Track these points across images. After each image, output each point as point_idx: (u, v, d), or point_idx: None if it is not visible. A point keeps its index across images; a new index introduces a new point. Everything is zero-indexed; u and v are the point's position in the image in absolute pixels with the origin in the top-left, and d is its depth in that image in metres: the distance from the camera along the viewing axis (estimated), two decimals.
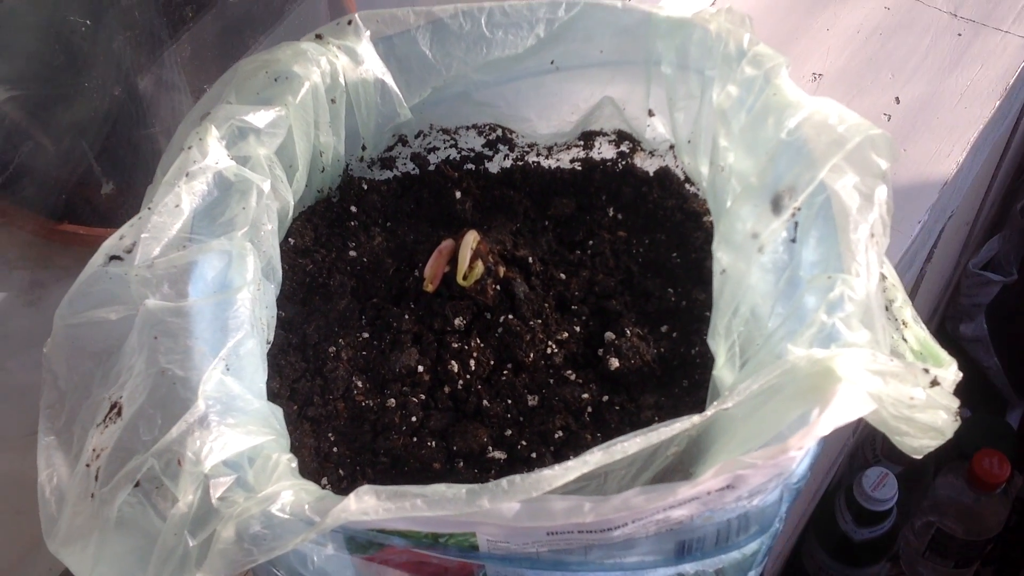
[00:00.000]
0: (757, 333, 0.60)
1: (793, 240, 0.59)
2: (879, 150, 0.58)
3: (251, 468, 0.51)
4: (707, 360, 0.66)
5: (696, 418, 0.51)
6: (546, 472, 0.48)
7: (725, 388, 0.59)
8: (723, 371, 0.60)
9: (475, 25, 0.67)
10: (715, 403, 0.52)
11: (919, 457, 0.59)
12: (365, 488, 0.49)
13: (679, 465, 0.56)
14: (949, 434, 0.57)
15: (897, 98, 1.16)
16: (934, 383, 0.55)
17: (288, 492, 0.49)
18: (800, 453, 0.51)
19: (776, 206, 0.59)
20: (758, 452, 0.49)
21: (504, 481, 0.48)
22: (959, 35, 1.21)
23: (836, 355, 0.51)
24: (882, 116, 1.13)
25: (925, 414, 0.55)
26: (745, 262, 0.59)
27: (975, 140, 1.13)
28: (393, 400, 0.65)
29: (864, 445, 1.69)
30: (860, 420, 0.54)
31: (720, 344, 0.60)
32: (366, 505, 0.48)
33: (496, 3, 0.66)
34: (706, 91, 0.65)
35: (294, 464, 0.52)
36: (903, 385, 0.53)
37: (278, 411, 0.56)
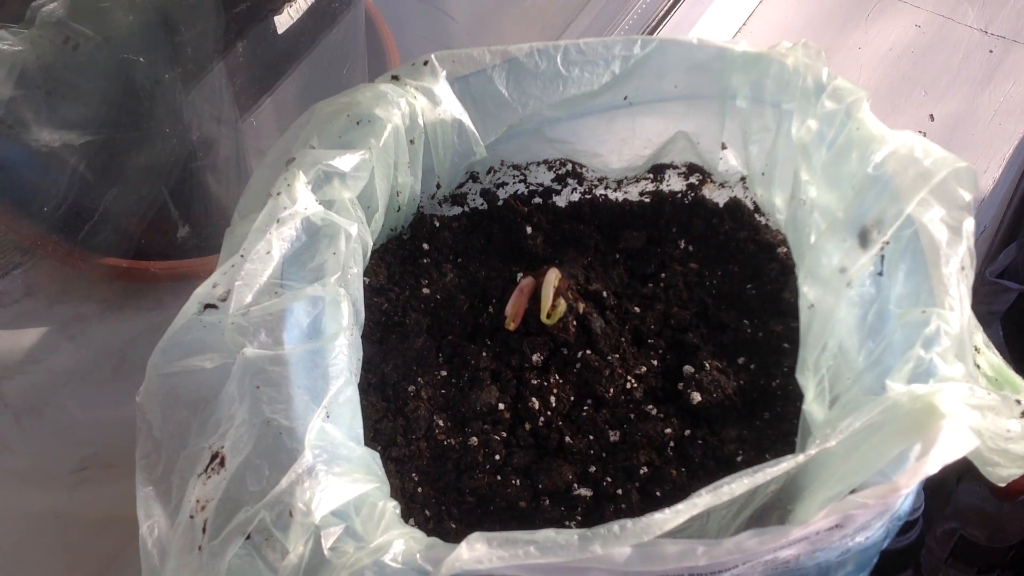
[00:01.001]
0: (846, 368, 0.60)
1: (880, 274, 0.59)
2: (963, 183, 0.58)
3: (358, 517, 0.51)
4: (788, 392, 0.66)
5: (801, 457, 0.51)
6: (657, 516, 0.48)
7: (816, 423, 0.59)
8: (813, 406, 0.60)
9: (551, 63, 0.67)
10: (817, 441, 0.52)
11: (1003, 485, 0.59)
12: (476, 535, 0.49)
13: (777, 503, 0.56)
14: None
15: (932, 116, 1.16)
16: None
17: (400, 541, 0.49)
18: (907, 491, 0.51)
19: (863, 240, 0.59)
20: (869, 491, 0.49)
21: (615, 525, 0.48)
22: (990, 52, 1.22)
23: (938, 391, 0.51)
24: (917, 133, 1.13)
25: (1019, 445, 0.55)
26: (833, 296, 0.59)
27: (1010, 156, 1.14)
28: (475, 438, 0.65)
29: None
30: None
31: (809, 379, 0.60)
32: (479, 553, 0.48)
33: (571, 41, 0.66)
34: (782, 124, 0.65)
35: (398, 511, 0.52)
36: (999, 418, 0.53)
37: (376, 456, 0.56)
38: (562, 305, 0.65)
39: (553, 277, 0.65)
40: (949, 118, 1.17)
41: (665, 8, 1.17)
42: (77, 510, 0.83)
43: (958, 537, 1.58)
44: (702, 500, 0.49)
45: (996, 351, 0.61)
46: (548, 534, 0.49)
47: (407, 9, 1.19)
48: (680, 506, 0.49)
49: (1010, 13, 1.25)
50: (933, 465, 0.50)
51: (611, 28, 1.15)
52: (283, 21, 0.88)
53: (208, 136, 0.84)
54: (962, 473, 1.62)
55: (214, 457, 0.53)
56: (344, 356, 0.55)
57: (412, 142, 0.66)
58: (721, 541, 0.49)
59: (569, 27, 1.17)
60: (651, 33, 1.15)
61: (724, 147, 0.72)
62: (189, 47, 0.79)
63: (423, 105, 0.65)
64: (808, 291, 0.60)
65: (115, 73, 0.71)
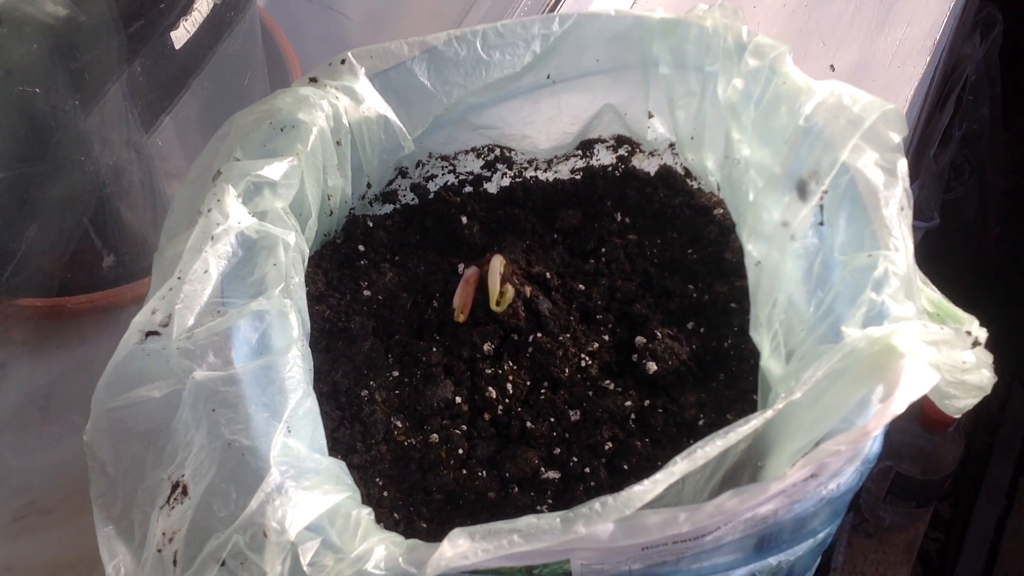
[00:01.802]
0: (797, 321, 0.60)
1: (822, 224, 0.59)
2: (892, 125, 0.59)
3: (333, 528, 0.50)
4: (741, 351, 0.66)
5: (769, 412, 0.51)
6: (636, 489, 0.48)
7: (775, 378, 0.60)
8: (770, 362, 0.60)
9: (471, 49, 0.66)
10: (783, 395, 0.52)
11: (958, 416, 0.60)
12: (457, 531, 0.48)
13: (747, 460, 0.57)
14: (989, 390, 0.58)
15: (832, 66, 1.18)
16: (975, 343, 0.56)
17: (380, 548, 0.48)
18: (877, 433, 0.51)
19: (802, 192, 0.59)
20: (841, 437, 0.50)
21: (596, 503, 0.48)
22: None
23: (894, 331, 0.52)
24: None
25: (972, 375, 0.57)
26: (778, 251, 0.60)
27: (911, 97, 1.16)
28: (436, 435, 0.64)
29: None
30: None
31: (763, 336, 0.60)
32: (462, 549, 0.47)
33: (490, 25, 0.65)
34: (707, 87, 0.65)
35: (372, 517, 0.51)
36: (954, 351, 0.54)
37: (343, 465, 0.55)
38: (510, 291, 0.65)
39: (498, 264, 0.64)
40: (849, 66, 1.19)
41: None
42: (21, 560, 0.80)
43: (894, 474, 1.62)
44: (678, 467, 0.49)
45: (934, 287, 0.62)
46: (529, 520, 0.48)
47: (300, 13, 1.18)
48: (658, 476, 0.48)
49: None
50: (899, 405, 0.50)
51: (510, 12, 1.14)
52: (180, 36, 0.85)
53: (117, 161, 0.82)
54: None
55: (175, 487, 0.52)
56: (299, 368, 0.54)
57: (339, 143, 0.64)
58: (702, 505, 0.49)
59: (467, 15, 1.16)
60: (551, 11, 1.15)
61: (651, 116, 0.72)
62: (87, 72, 0.77)
63: (346, 104, 0.64)
64: (752, 249, 0.61)
65: (16, 106, 0.68)
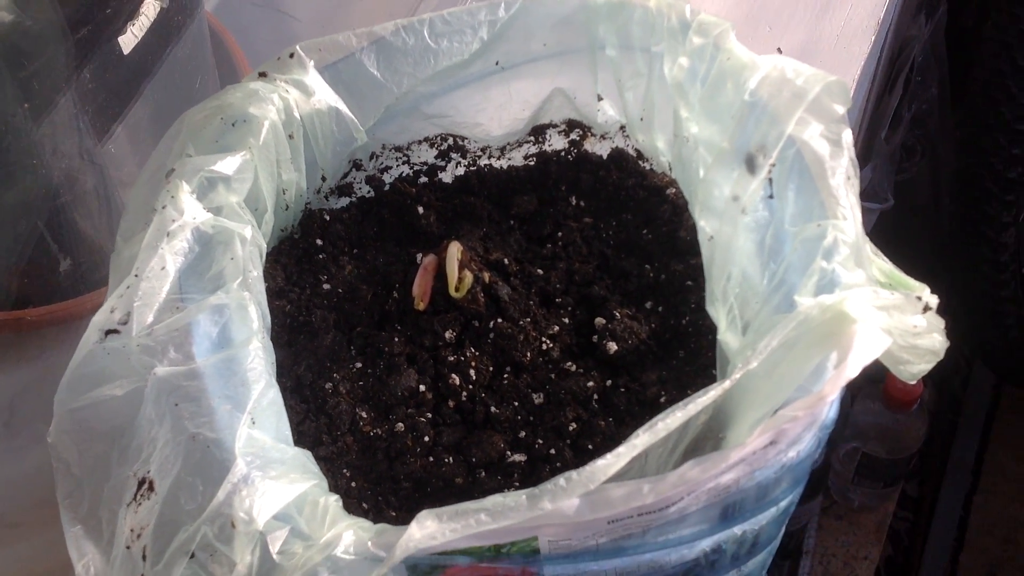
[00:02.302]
0: (751, 294, 0.61)
1: (771, 197, 0.60)
2: (836, 96, 0.60)
3: (301, 516, 0.50)
4: (699, 328, 0.67)
5: (727, 383, 0.52)
6: (599, 463, 0.49)
7: (732, 351, 0.61)
8: (727, 335, 0.61)
9: (418, 38, 0.66)
10: (739, 365, 0.53)
11: (914, 383, 0.61)
12: (425, 513, 0.48)
13: (708, 433, 0.57)
14: (942, 354, 0.59)
15: (779, 49, 1.18)
16: (926, 308, 0.58)
17: (348, 533, 0.49)
18: (832, 398, 0.52)
19: (751, 166, 0.60)
20: (797, 404, 0.50)
21: (561, 479, 0.48)
22: None
23: (845, 298, 0.53)
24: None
25: (924, 339, 0.58)
26: (730, 226, 0.60)
27: (858, 77, 1.17)
28: (401, 424, 0.65)
29: None
30: None
31: (719, 310, 0.61)
32: (430, 530, 0.48)
33: (436, 13, 0.66)
34: (654, 67, 0.66)
35: (340, 504, 0.52)
36: (905, 315, 0.55)
37: (308, 455, 0.55)
38: (469, 277, 0.65)
39: (455, 250, 0.65)
40: (796, 49, 1.20)
41: None
42: None
43: (860, 455, 1.64)
44: (640, 440, 0.50)
45: (884, 257, 0.63)
46: (496, 499, 0.49)
47: (248, 17, 1.17)
48: (621, 449, 0.49)
49: None
50: (853, 369, 0.51)
51: (460, 2, 1.14)
52: (128, 41, 0.85)
53: (69, 170, 0.82)
54: (856, 392, 1.68)
55: (141, 483, 0.52)
56: (260, 359, 0.54)
57: (291, 137, 0.64)
58: (665, 476, 0.50)
59: (416, 11, 1.17)
60: None
61: (600, 99, 0.73)
62: (35, 80, 0.77)
63: (296, 98, 0.64)
64: (705, 225, 0.62)
65: None
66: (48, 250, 0.71)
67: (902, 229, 1.84)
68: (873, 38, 1.20)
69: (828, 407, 0.55)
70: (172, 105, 0.93)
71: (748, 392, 0.56)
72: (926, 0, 1.81)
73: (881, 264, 0.63)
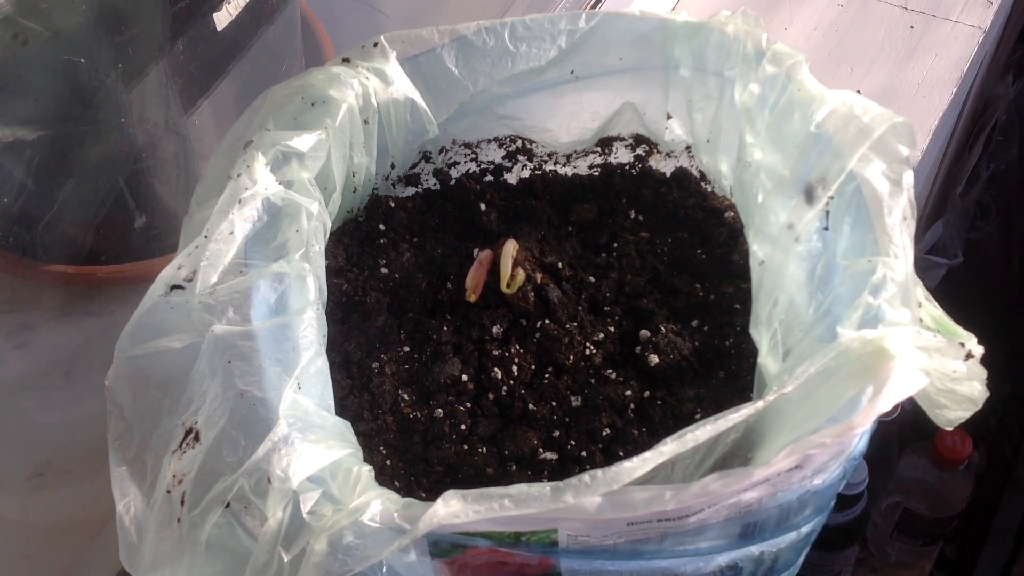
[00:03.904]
0: (796, 321, 0.62)
1: (827, 229, 0.61)
2: (901, 137, 0.61)
3: (334, 481, 0.52)
4: (741, 351, 0.68)
5: (760, 404, 0.53)
6: (625, 465, 0.50)
7: (770, 375, 0.62)
8: (767, 359, 0.62)
9: (499, 40, 0.68)
10: (774, 388, 0.54)
11: (950, 428, 0.62)
12: (451, 492, 0.50)
13: (737, 451, 0.58)
14: (980, 404, 0.60)
15: (858, 91, 1.19)
16: (968, 356, 0.58)
17: (376, 502, 0.51)
18: (863, 430, 0.53)
19: (809, 197, 0.61)
20: (826, 431, 0.51)
21: (586, 476, 0.50)
22: (911, 27, 1.25)
23: (887, 334, 0.54)
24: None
25: (964, 386, 0.58)
26: (782, 253, 0.61)
27: (935, 127, 1.17)
28: (440, 410, 0.66)
29: None
30: None
31: (762, 334, 0.62)
32: (454, 509, 0.49)
33: (518, 18, 0.68)
34: (725, 91, 0.67)
35: (372, 474, 0.54)
36: (945, 359, 0.56)
37: (348, 425, 0.57)
38: (521, 274, 0.67)
39: (511, 248, 0.67)
40: (875, 93, 1.20)
41: None
42: (35, 517, 0.82)
43: (902, 510, 1.63)
44: (667, 448, 0.51)
45: (936, 304, 0.64)
46: (521, 488, 0.50)
47: (339, 7, 1.20)
48: (647, 454, 0.50)
49: None
50: (885, 404, 0.52)
51: (549, 10, 1.16)
52: (222, 18, 0.88)
53: (154, 136, 0.85)
54: (904, 447, 1.67)
55: (188, 432, 0.54)
56: (312, 329, 0.56)
57: (366, 122, 0.67)
58: (687, 485, 0.51)
59: (505, 15, 1.19)
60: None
61: (669, 117, 0.74)
62: (131, 46, 0.80)
63: (375, 85, 0.67)
64: (758, 249, 0.63)
65: (63, 69, 0.71)
66: (125, 207, 0.74)
67: (969, 288, 1.83)
68: (954, 90, 1.19)
69: (857, 439, 0.56)
70: (258, 85, 0.96)
71: (781, 416, 0.57)
72: (1015, 60, 1.80)
73: (932, 310, 0.63)
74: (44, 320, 0.88)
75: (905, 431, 1.72)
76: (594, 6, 1.15)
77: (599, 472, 0.50)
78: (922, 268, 1.88)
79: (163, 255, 0.85)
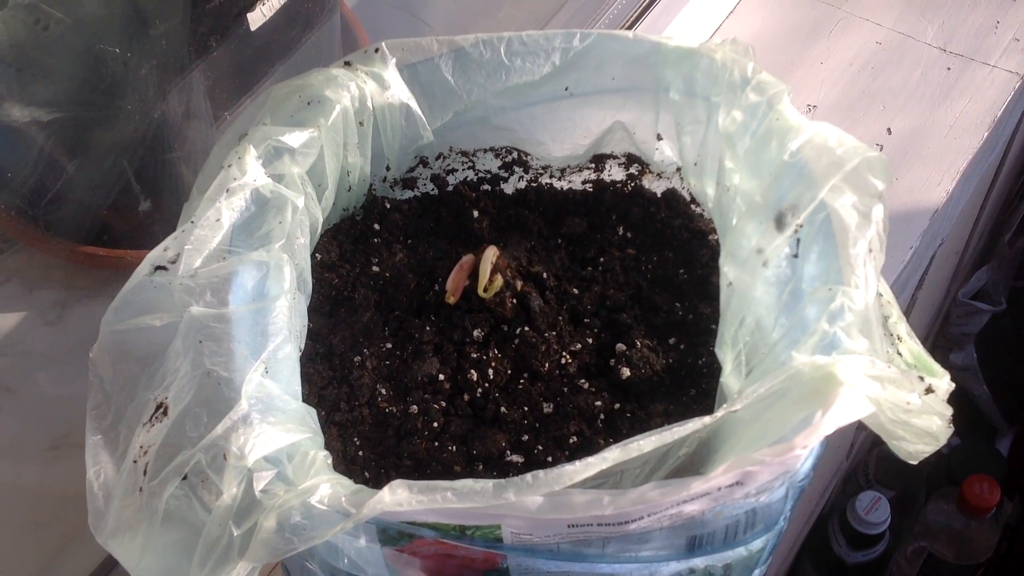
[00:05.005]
0: (762, 342, 0.63)
1: (795, 255, 0.63)
2: (875, 171, 0.62)
3: (290, 464, 0.54)
4: (713, 370, 0.70)
5: (707, 419, 0.54)
6: (568, 467, 0.52)
7: (732, 394, 0.63)
8: (730, 378, 0.64)
9: (495, 53, 0.71)
10: (724, 406, 0.55)
11: (915, 463, 0.62)
12: (398, 482, 0.52)
13: (690, 466, 0.60)
14: (943, 440, 0.61)
15: (889, 129, 1.20)
16: (929, 390, 0.59)
17: (326, 485, 0.53)
18: (805, 452, 0.54)
19: (779, 223, 0.63)
20: (766, 450, 0.53)
21: (528, 476, 0.52)
22: (948, 69, 1.25)
23: (837, 361, 0.55)
24: (874, 146, 1.16)
25: (920, 419, 0.59)
26: (750, 276, 0.63)
27: (964, 169, 1.17)
28: (415, 407, 0.68)
29: (857, 470, 1.72)
30: (854, 443, 0.57)
31: (727, 353, 0.64)
32: (399, 497, 0.51)
33: (514, 33, 0.70)
34: (712, 116, 0.69)
35: (329, 460, 0.56)
36: (900, 391, 0.57)
37: (312, 412, 0.59)
38: (499, 280, 0.69)
39: (491, 254, 0.69)
40: (906, 132, 1.20)
41: (632, 19, 1.21)
42: (48, 487, 0.85)
43: (927, 555, 1.61)
44: (612, 455, 0.52)
45: (917, 340, 0.65)
46: (466, 482, 0.52)
47: (384, 16, 1.22)
48: (591, 459, 0.52)
49: (968, 32, 1.29)
50: (827, 427, 0.53)
51: (590, 24, 1.18)
52: (256, 19, 0.90)
53: (179, 127, 0.88)
54: (932, 491, 1.65)
55: (158, 407, 0.57)
56: (284, 316, 0.59)
57: (361, 124, 0.69)
58: (626, 492, 0.52)
59: (549, 24, 1.21)
60: (631, 27, 1.19)
61: (660, 138, 0.76)
62: (163, 39, 0.83)
63: (372, 89, 0.69)
64: (728, 270, 0.64)
65: (84, 54, 0.74)
66: (131, 191, 0.77)
67: (1012, 335, 1.81)
68: (986, 134, 1.19)
69: (801, 460, 0.57)
70: None
71: (732, 434, 0.58)
72: None
73: (912, 345, 0.64)
74: (75, 299, 0.91)
75: (934, 475, 1.70)
76: (631, 25, 1.17)
77: (542, 473, 0.52)
78: (965, 313, 1.86)
79: None
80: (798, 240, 0.62)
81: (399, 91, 0.70)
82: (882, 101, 1.23)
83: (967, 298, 1.88)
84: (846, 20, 1.31)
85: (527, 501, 0.52)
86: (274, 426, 0.55)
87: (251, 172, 0.62)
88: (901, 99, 1.23)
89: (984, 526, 1.59)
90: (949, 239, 1.45)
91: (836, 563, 1.61)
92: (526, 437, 0.68)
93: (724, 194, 0.66)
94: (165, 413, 0.56)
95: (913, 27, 1.30)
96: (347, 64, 0.70)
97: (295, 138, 0.64)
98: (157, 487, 0.53)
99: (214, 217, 0.61)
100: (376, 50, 0.70)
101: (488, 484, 0.52)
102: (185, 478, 0.53)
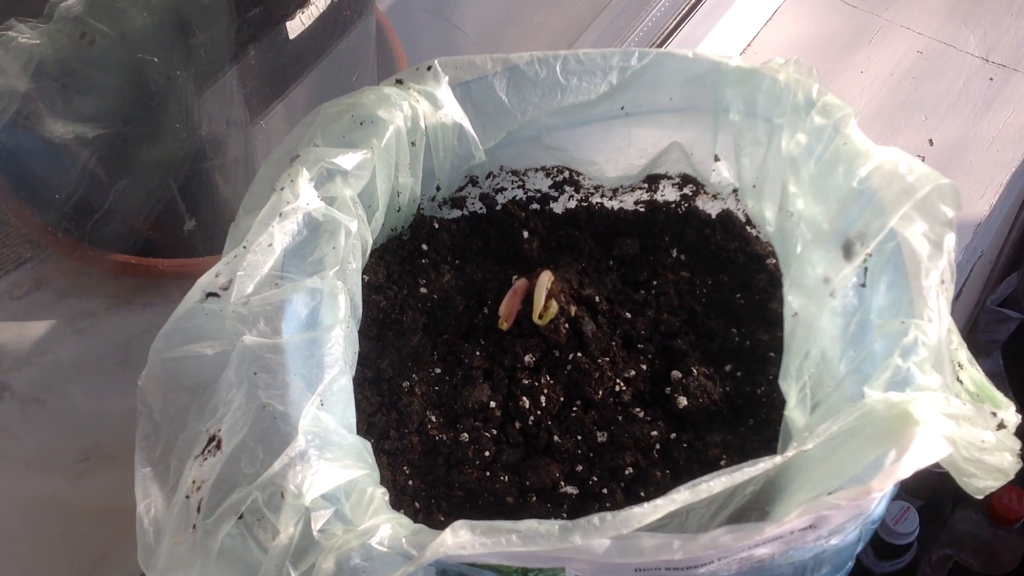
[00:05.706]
0: (827, 375, 0.61)
1: (863, 285, 0.61)
2: (946, 199, 0.60)
3: (348, 501, 0.53)
4: (772, 400, 0.68)
5: (778, 459, 0.53)
6: (635, 510, 0.50)
7: (797, 428, 0.61)
8: (794, 412, 0.62)
9: (550, 72, 0.69)
10: (794, 444, 0.53)
11: (980, 497, 0.61)
12: (460, 523, 0.50)
13: (755, 504, 0.58)
14: (1012, 475, 0.59)
15: (931, 140, 1.18)
16: (1000, 426, 0.57)
17: (387, 526, 0.51)
18: (880, 494, 0.52)
19: (847, 252, 0.61)
20: (842, 493, 0.51)
21: (595, 518, 0.50)
22: (991, 79, 1.23)
23: (913, 399, 0.53)
24: (916, 157, 1.15)
25: (993, 456, 0.57)
26: (816, 306, 0.61)
27: (1007, 182, 1.15)
28: (466, 435, 0.67)
29: None
30: None
31: (791, 385, 0.62)
32: (462, 540, 0.50)
33: (571, 51, 0.68)
34: (773, 138, 0.67)
35: (387, 498, 0.54)
36: (974, 428, 0.55)
37: (367, 445, 0.58)
38: (554, 306, 0.67)
39: (546, 279, 0.67)
40: (948, 143, 1.18)
41: (670, 28, 1.19)
42: (78, 499, 0.84)
43: (953, 564, 1.59)
44: (680, 496, 0.51)
45: (979, 368, 0.63)
46: (530, 524, 0.50)
47: (418, 21, 1.21)
48: (659, 501, 0.50)
49: (1011, 42, 1.27)
50: (905, 470, 0.52)
51: (618, 44, 1.17)
52: (295, 27, 0.89)
53: (218, 136, 0.86)
54: (958, 500, 1.63)
55: (211, 440, 0.55)
56: (339, 346, 0.57)
57: (413, 144, 0.68)
58: (697, 536, 0.50)
59: (576, 42, 1.19)
60: (662, 45, 1.18)
61: (717, 159, 0.74)
62: (202, 49, 0.81)
63: (425, 108, 0.68)
64: (792, 300, 0.62)
65: (129, 69, 0.73)
66: (176, 209, 0.76)
67: None
68: None
69: (876, 503, 0.55)
70: (328, 93, 0.97)
71: (802, 472, 0.56)
72: None
73: (974, 373, 0.62)
74: (104, 308, 0.91)
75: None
76: (670, 34, 1.15)
77: (609, 515, 0.50)
78: (994, 320, 1.84)
79: (220, 254, 0.87)
80: (866, 269, 0.61)
81: (452, 110, 0.68)
82: (924, 112, 1.20)
83: (995, 305, 1.86)
84: (886, 28, 1.29)
85: (594, 544, 0.50)
86: (331, 462, 0.53)
87: (304, 195, 0.60)
88: (943, 110, 1.21)
89: (1011, 536, 1.57)
90: (987, 249, 1.43)
91: (863, 573, 1.59)
92: (580, 467, 0.66)
93: (787, 219, 0.65)
94: (219, 447, 0.54)
95: (955, 36, 1.28)
96: (399, 82, 0.68)
97: (348, 160, 0.62)
98: (212, 526, 0.52)
99: (266, 242, 0.59)
100: (428, 68, 0.68)
101: (554, 526, 0.50)
102: (241, 516, 0.52)
